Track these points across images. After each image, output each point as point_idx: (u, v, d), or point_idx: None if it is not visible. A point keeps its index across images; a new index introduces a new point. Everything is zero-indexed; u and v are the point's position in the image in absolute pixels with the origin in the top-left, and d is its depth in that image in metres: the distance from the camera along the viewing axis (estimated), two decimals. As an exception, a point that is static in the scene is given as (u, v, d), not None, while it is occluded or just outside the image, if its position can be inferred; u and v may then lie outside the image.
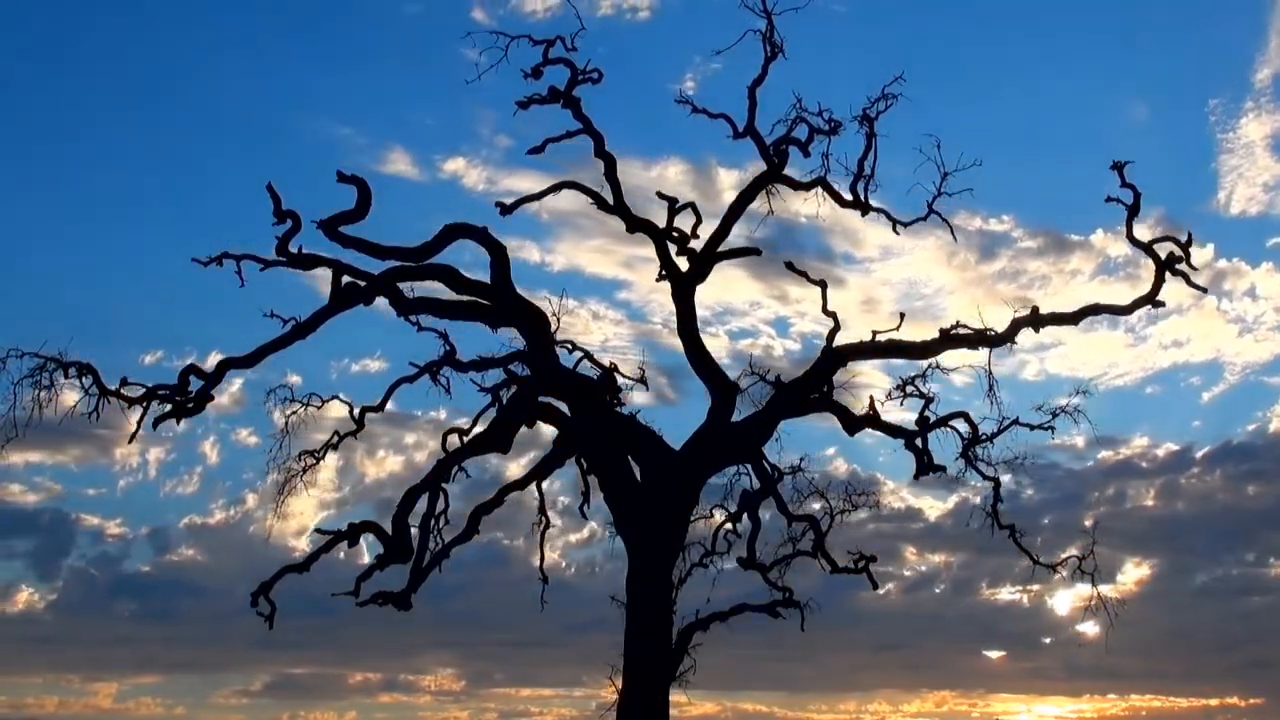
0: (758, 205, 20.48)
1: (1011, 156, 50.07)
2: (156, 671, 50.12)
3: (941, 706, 43.69)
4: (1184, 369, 51.20)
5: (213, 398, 18.65)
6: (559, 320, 20.68)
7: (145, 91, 50.03)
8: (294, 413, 20.15)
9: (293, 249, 18.44)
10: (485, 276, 19.54)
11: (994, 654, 42.02)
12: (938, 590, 43.46)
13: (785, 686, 46.14)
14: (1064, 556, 21.17)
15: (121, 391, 18.33)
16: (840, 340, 20.84)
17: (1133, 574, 44.37)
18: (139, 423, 18.34)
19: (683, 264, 20.48)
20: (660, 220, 20.61)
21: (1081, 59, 52.38)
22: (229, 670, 51.76)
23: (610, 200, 20.26)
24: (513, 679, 47.92)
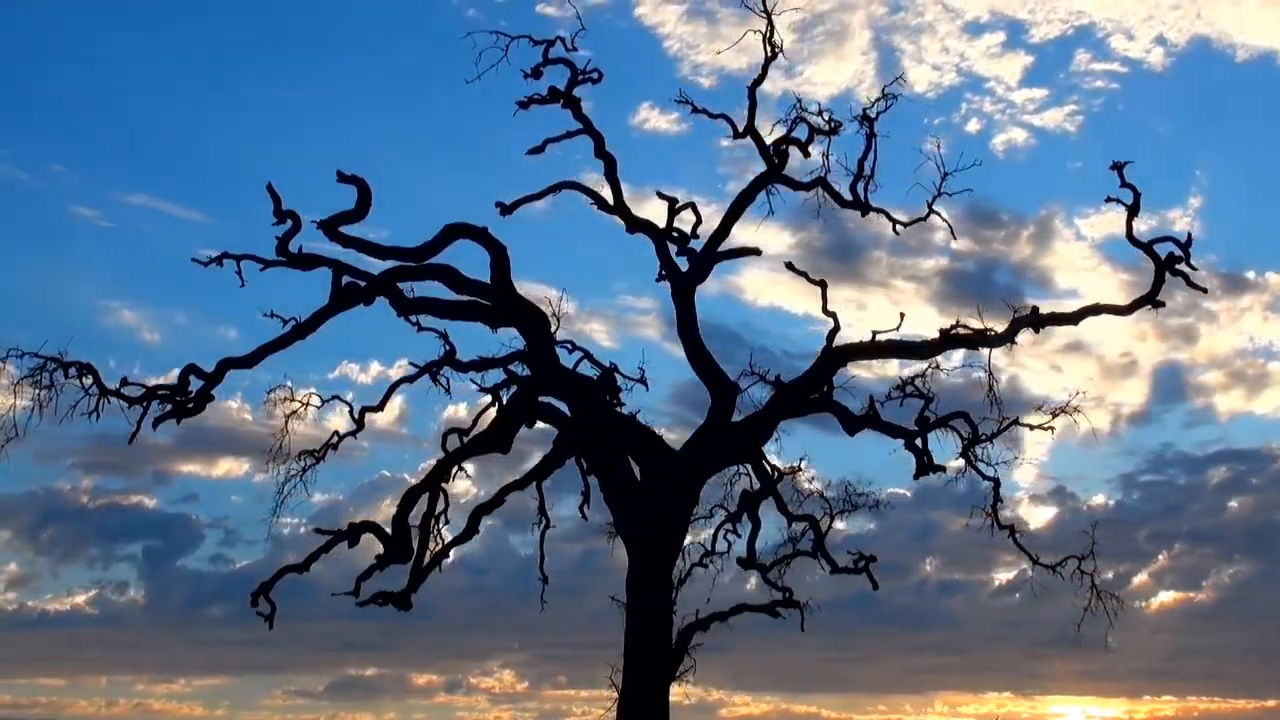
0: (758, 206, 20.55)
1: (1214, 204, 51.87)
2: (228, 673, 50.38)
3: (1001, 709, 43.76)
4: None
5: (213, 398, 18.64)
6: (559, 320, 20.70)
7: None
8: (294, 413, 20.19)
9: (293, 249, 18.42)
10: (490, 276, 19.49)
11: (1058, 657, 42.14)
12: (1016, 596, 43.89)
13: (851, 688, 47.06)
14: (1063, 558, 21.21)
15: (122, 391, 18.31)
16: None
17: (1214, 579, 45.93)
18: (139, 423, 18.33)
19: (683, 264, 20.49)
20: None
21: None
22: (299, 671, 51.98)
23: (610, 200, 20.30)
24: (576, 681, 47.43)
